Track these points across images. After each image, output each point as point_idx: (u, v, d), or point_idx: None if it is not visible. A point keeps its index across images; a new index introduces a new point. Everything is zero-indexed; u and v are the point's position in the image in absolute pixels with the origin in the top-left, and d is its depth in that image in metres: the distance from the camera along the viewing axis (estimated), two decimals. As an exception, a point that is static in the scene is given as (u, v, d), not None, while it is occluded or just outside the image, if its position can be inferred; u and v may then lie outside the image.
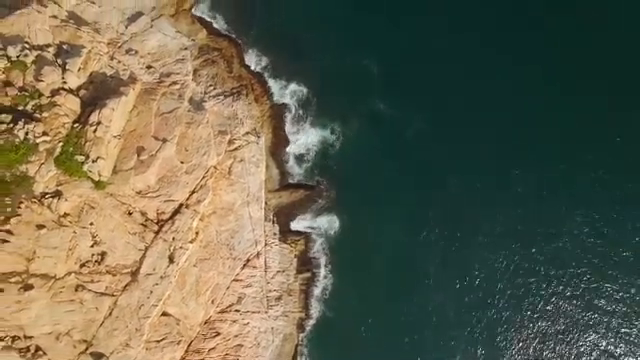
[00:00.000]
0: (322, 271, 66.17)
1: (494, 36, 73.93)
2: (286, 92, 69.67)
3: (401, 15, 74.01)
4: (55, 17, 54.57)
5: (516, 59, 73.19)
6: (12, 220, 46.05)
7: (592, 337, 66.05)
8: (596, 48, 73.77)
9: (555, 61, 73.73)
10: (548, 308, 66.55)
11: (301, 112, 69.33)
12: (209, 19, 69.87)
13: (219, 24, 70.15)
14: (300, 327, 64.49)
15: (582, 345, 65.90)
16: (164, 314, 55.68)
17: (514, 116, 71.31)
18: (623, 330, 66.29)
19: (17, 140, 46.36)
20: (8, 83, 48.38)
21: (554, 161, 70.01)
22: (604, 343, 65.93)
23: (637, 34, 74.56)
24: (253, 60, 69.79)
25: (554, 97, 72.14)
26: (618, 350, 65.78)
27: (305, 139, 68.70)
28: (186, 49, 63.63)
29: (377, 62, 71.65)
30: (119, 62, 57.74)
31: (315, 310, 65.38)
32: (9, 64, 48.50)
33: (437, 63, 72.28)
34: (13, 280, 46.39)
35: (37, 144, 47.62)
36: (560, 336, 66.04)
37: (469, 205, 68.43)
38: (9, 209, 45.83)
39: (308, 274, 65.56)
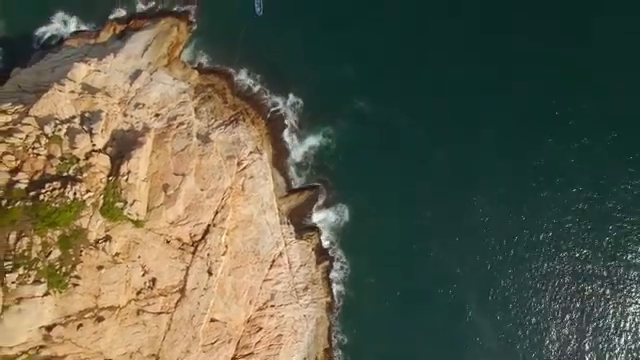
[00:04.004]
0: (338, 257, 73.24)
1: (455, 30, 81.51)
2: (280, 107, 76.85)
3: (370, 22, 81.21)
4: (73, 92, 61.73)
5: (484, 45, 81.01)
6: (77, 267, 53.31)
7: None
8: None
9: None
10: (547, 269, 74.11)
11: (294, 124, 76.32)
12: (197, 60, 77.22)
13: (206, 62, 77.38)
14: (329, 310, 71.67)
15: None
16: (212, 320, 62.75)
17: (491, 99, 78.62)
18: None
19: (69, 201, 53.43)
20: (50, 156, 55.51)
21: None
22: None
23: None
24: (244, 85, 76.99)
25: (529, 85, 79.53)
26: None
27: (302, 147, 75.88)
28: (184, 92, 70.28)
29: (352, 66, 78.76)
30: (131, 117, 64.61)
31: (339, 293, 72.33)
32: (48, 140, 55.91)
33: (407, 61, 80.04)
34: (88, 315, 53.62)
35: (84, 201, 54.70)
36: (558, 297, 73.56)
37: (457, 180, 75.71)
38: (73, 258, 53.29)
39: (327, 262, 72.78)
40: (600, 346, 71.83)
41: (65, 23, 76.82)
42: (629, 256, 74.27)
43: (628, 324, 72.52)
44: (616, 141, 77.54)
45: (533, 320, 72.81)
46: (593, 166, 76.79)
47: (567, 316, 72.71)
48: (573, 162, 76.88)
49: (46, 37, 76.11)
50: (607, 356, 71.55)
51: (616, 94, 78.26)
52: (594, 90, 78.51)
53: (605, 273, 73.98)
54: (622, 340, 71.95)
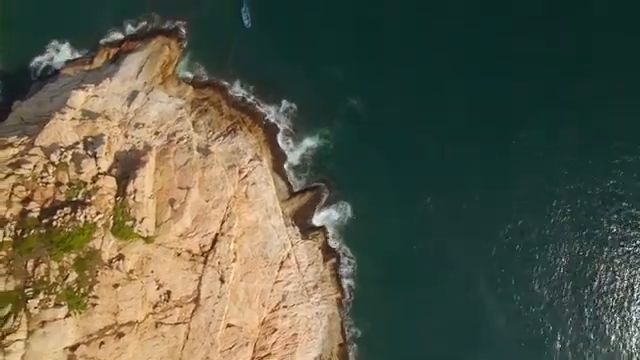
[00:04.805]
0: (345, 253, 75.07)
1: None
2: (275, 114, 78.63)
3: (355, 24, 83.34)
4: (74, 119, 63.27)
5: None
6: (94, 287, 54.99)
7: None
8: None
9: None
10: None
11: (290, 128, 78.10)
12: (190, 76, 78.87)
13: (200, 77, 79.07)
14: (340, 305, 73.49)
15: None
16: (228, 325, 64.42)
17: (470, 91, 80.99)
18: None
19: (80, 224, 55.04)
20: (59, 183, 57.19)
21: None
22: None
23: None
24: (238, 96, 78.60)
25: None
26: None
27: (300, 149, 77.79)
28: (181, 108, 71.90)
29: (342, 68, 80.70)
30: (132, 137, 66.16)
31: (349, 287, 74.16)
32: (55, 168, 57.65)
33: (392, 59, 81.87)
34: (108, 333, 55.19)
35: (95, 223, 56.28)
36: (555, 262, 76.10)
37: (451, 169, 77.73)
38: (90, 279, 55.03)
39: (334, 260, 74.64)
40: (611, 320, 74.18)
41: (58, 51, 78.28)
42: (632, 232, 76.67)
43: (636, 294, 74.64)
44: (614, 130, 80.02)
45: (539, 299, 74.93)
46: (591, 151, 79.44)
47: (579, 292, 75.02)
48: (572, 149, 79.30)
49: (42, 67, 77.69)
50: (617, 326, 73.89)
51: (616, 92, 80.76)
52: (593, 88, 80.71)
53: (610, 250, 76.38)
54: (633, 314, 74.35)
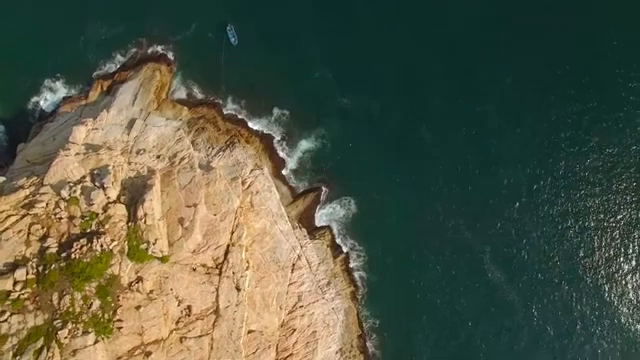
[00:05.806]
0: (353, 247, 77.55)
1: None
2: (268, 123, 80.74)
3: (338, 26, 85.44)
4: (78, 153, 65.27)
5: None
6: (118, 311, 57.38)
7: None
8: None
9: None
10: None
11: (285, 134, 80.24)
12: (184, 97, 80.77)
13: (193, 96, 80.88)
14: (354, 299, 75.94)
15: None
16: (249, 331, 66.78)
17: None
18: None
19: (97, 253, 57.16)
20: (72, 217, 59.41)
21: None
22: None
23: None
24: (232, 110, 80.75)
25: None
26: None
27: (297, 153, 80.00)
28: (179, 129, 73.58)
29: (329, 70, 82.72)
30: (136, 164, 68.04)
31: (362, 279, 76.68)
32: (66, 203, 59.89)
33: (376, 58, 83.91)
34: (137, 353, 57.51)
35: (111, 250, 58.47)
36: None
37: (445, 155, 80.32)
38: (113, 304, 57.50)
39: (343, 255, 77.15)
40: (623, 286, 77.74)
41: (53, 90, 79.74)
42: (632, 198, 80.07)
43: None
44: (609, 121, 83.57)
45: (550, 274, 78.15)
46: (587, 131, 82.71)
47: (594, 259, 78.65)
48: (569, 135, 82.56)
49: (39, 109, 79.03)
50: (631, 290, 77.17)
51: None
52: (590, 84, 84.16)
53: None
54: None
